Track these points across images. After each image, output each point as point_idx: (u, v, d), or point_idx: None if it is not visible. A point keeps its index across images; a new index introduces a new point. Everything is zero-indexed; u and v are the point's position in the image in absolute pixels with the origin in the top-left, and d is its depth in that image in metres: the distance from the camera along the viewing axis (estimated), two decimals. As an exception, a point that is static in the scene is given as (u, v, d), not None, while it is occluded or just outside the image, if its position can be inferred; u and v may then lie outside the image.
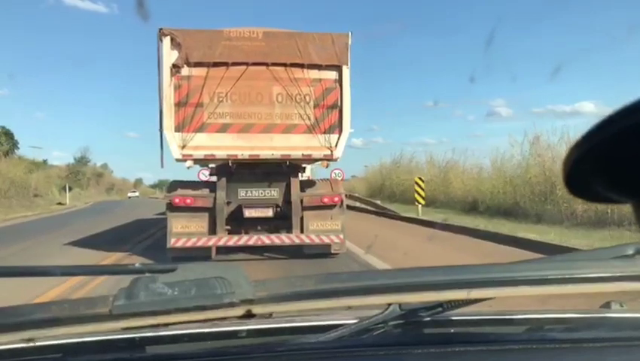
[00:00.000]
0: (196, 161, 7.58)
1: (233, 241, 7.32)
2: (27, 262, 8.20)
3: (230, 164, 7.27)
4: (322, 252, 7.60)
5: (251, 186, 7.58)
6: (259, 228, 8.17)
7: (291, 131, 7.21)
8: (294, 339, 0.97)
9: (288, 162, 7.41)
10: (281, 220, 7.71)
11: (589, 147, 0.48)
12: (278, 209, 7.64)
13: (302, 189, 7.66)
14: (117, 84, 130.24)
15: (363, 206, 20.13)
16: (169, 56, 6.92)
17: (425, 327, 0.99)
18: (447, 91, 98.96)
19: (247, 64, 7.01)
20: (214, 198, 7.35)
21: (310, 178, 10.69)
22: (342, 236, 7.46)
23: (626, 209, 0.55)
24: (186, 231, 7.22)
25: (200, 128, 7.04)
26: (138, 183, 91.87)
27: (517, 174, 14.83)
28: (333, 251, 7.62)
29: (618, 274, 0.78)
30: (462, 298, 0.84)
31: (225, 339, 1.00)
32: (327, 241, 7.40)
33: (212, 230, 7.34)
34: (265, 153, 7.18)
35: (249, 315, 0.73)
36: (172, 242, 7.14)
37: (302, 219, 7.50)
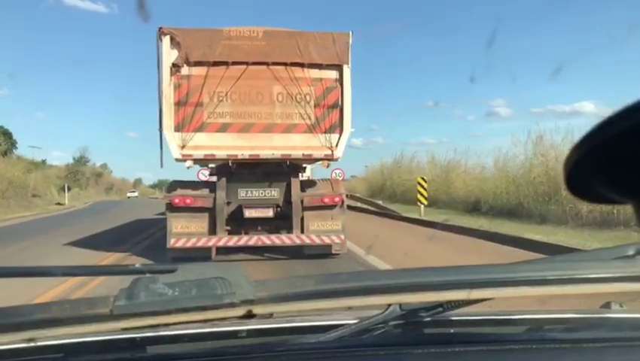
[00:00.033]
0: (196, 161, 7.55)
1: (233, 241, 7.30)
2: (24, 262, 8.19)
3: (230, 164, 7.25)
4: (323, 252, 7.58)
5: (252, 186, 7.56)
6: (259, 228, 8.15)
7: (292, 131, 7.19)
8: (294, 339, 0.97)
9: (288, 162, 7.38)
10: (282, 220, 7.69)
11: (590, 148, 0.48)
12: (279, 209, 7.62)
13: (302, 189, 7.63)
14: (116, 84, 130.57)
15: (364, 206, 20.03)
16: (169, 55, 6.90)
17: (426, 327, 0.99)
18: (447, 91, 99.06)
19: (247, 63, 6.98)
20: (214, 199, 7.33)
21: (310, 178, 10.67)
22: (342, 236, 7.44)
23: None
24: (186, 231, 7.20)
25: (200, 128, 7.01)
26: (138, 183, 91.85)
27: (520, 174, 14.70)
28: (333, 251, 7.61)
29: (618, 275, 0.78)
30: (462, 299, 0.84)
31: (225, 339, 1.00)
32: (327, 241, 7.38)
33: (212, 230, 7.32)
34: (265, 153, 7.16)
35: (249, 315, 0.73)
36: (172, 242, 7.11)
37: (302, 219, 7.48)
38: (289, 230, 7.52)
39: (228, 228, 7.69)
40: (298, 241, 7.36)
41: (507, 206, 14.20)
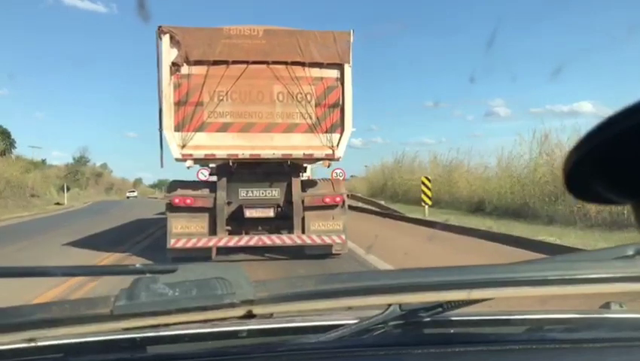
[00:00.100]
0: (196, 161, 7.54)
1: (234, 241, 7.27)
2: (22, 263, 8.18)
3: (231, 163, 7.22)
4: (324, 252, 7.55)
5: (252, 186, 7.53)
6: (260, 228, 8.14)
7: (292, 131, 7.16)
8: (294, 339, 0.98)
9: (289, 162, 7.35)
10: (283, 220, 7.66)
11: (590, 149, 0.48)
12: (280, 209, 7.59)
13: (303, 189, 7.60)
14: (116, 84, 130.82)
15: (365, 206, 19.89)
16: (169, 54, 6.86)
17: (425, 327, 0.99)
18: (446, 91, 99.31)
19: (247, 62, 6.95)
20: (215, 199, 7.29)
21: (310, 178, 10.65)
22: (343, 236, 7.41)
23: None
24: (186, 231, 7.17)
25: (200, 128, 6.98)
26: (138, 182, 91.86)
27: (525, 173, 14.52)
28: (334, 252, 7.57)
29: (619, 275, 0.78)
30: (462, 299, 0.84)
31: (226, 339, 1.00)
32: (328, 241, 7.36)
33: (212, 230, 7.28)
34: (266, 153, 7.13)
35: (250, 315, 0.73)
36: (172, 243, 7.08)
37: (303, 219, 7.45)
38: (290, 230, 7.50)
39: (228, 228, 7.67)
40: (299, 241, 7.33)
41: (512, 206, 13.99)
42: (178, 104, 6.94)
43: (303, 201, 7.43)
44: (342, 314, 1.06)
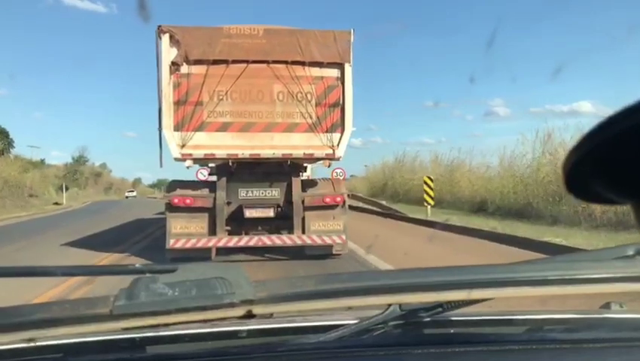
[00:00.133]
0: (196, 160, 7.50)
1: (234, 241, 7.24)
2: (19, 263, 8.17)
3: (230, 163, 7.19)
4: (324, 253, 7.52)
5: (252, 186, 7.50)
6: (260, 228, 8.11)
7: (293, 130, 7.13)
8: (294, 339, 0.97)
9: (289, 162, 7.32)
10: (283, 221, 7.63)
11: (590, 148, 0.48)
12: (280, 209, 7.56)
13: (303, 189, 7.58)
14: (116, 84, 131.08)
15: (366, 206, 19.78)
16: (168, 53, 6.83)
17: (425, 327, 0.99)
18: (446, 91, 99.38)
19: (247, 61, 6.92)
20: (214, 199, 7.26)
21: (310, 178, 10.63)
22: (344, 237, 7.38)
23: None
24: (185, 232, 7.13)
25: (200, 127, 6.96)
26: (137, 182, 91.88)
27: (528, 173, 14.41)
28: (334, 252, 7.54)
29: (619, 275, 0.78)
30: (462, 299, 0.84)
31: (226, 339, 1.00)
32: (329, 241, 7.33)
33: (212, 231, 7.25)
34: (266, 153, 7.10)
35: (249, 315, 0.73)
36: (171, 243, 7.05)
37: (303, 219, 7.42)
38: (290, 230, 7.47)
39: (228, 228, 7.64)
40: (299, 242, 7.30)
41: (515, 206, 13.87)
42: (178, 103, 6.91)
43: (303, 201, 7.41)
44: (343, 314, 1.05)
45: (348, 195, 8.40)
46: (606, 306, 1.12)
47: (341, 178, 14.73)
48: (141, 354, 0.92)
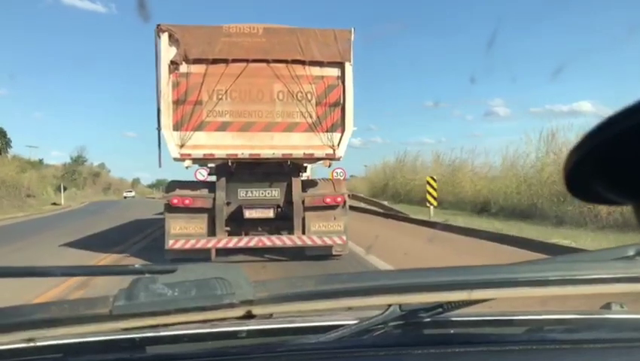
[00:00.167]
0: (195, 160, 7.44)
1: (233, 242, 7.19)
2: (16, 264, 8.12)
3: (230, 163, 7.13)
4: (324, 253, 7.47)
5: (252, 186, 7.44)
6: (259, 229, 8.07)
7: (293, 130, 7.08)
8: (294, 339, 0.97)
9: (289, 162, 7.26)
10: (283, 221, 7.58)
11: (590, 149, 0.48)
12: (280, 210, 7.51)
13: (303, 189, 7.53)
14: (115, 84, 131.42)
15: (367, 207, 19.65)
16: (167, 52, 6.78)
17: (425, 328, 0.99)
18: (446, 91, 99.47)
19: (247, 61, 6.86)
20: (214, 199, 7.21)
21: (309, 178, 10.60)
22: (344, 237, 7.33)
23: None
24: (184, 232, 7.08)
25: (199, 127, 6.90)
26: (136, 182, 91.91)
27: (531, 173, 14.27)
28: (334, 253, 7.50)
29: (619, 276, 0.78)
30: (463, 299, 0.84)
31: (225, 339, 1.00)
32: (329, 242, 7.28)
33: (211, 231, 7.20)
34: (266, 152, 7.05)
35: (249, 316, 0.73)
36: (170, 244, 6.99)
37: (303, 220, 7.37)
38: (290, 231, 7.42)
39: (228, 229, 7.58)
40: (299, 242, 7.25)
41: (518, 207, 13.73)
42: (177, 103, 6.85)
43: (303, 202, 7.36)
44: (343, 315, 1.05)
45: (349, 196, 8.35)
46: (606, 306, 1.12)
47: (341, 178, 14.70)
48: (141, 354, 0.92)
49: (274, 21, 7.95)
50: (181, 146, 6.90)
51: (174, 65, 6.80)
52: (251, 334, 1.00)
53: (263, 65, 6.94)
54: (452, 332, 1.02)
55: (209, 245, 7.12)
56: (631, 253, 0.86)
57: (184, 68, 6.84)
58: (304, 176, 9.58)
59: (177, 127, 6.87)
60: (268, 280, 0.80)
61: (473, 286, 0.78)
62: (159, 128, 6.97)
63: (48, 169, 48.38)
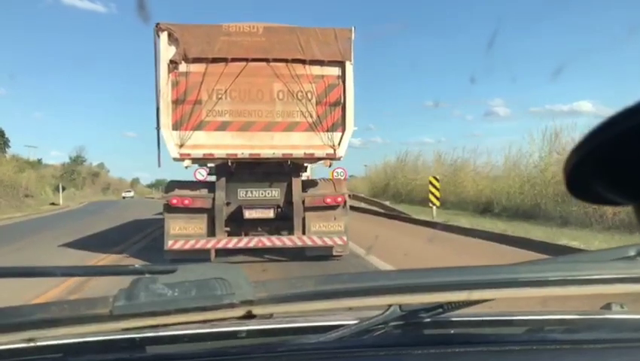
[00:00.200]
0: (195, 160, 7.40)
1: (233, 243, 7.15)
2: (13, 265, 8.13)
3: (230, 163, 7.10)
4: (325, 254, 7.44)
5: (252, 186, 7.41)
6: (259, 229, 8.04)
7: (293, 130, 7.04)
8: (294, 339, 0.97)
9: (289, 162, 7.22)
10: (283, 221, 7.55)
11: (590, 149, 0.48)
12: (280, 210, 7.47)
13: (304, 189, 7.49)
14: (115, 83, 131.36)
15: (368, 207, 19.53)
16: (167, 51, 6.74)
17: (426, 328, 0.99)
18: (446, 91, 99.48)
19: (247, 60, 6.83)
20: (213, 199, 7.18)
21: (310, 178, 10.57)
22: (345, 238, 7.30)
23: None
24: (184, 233, 7.04)
25: (199, 127, 6.86)
26: (135, 182, 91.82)
27: (534, 173, 14.18)
28: (335, 253, 7.46)
29: (619, 276, 0.78)
30: (463, 300, 0.84)
31: (225, 339, 1.00)
32: (329, 242, 7.24)
33: (211, 232, 7.17)
34: (266, 152, 7.02)
35: (249, 316, 0.73)
36: (170, 244, 6.96)
37: (304, 220, 7.34)
38: (290, 231, 7.39)
39: (227, 229, 7.55)
40: (299, 243, 7.21)
41: (522, 207, 13.61)
42: (176, 102, 6.81)
43: (303, 202, 7.32)
44: (343, 315, 1.05)
45: (350, 196, 8.31)
46: (607, 307, 1.12)
47: (342, 178, 14.65)
48: (141, 354, 0.92)
49: (274, 20, 7.89)
50: (181, 145, 6.86)
51: (173, 64, 6.76)
52: (251, 334, 1.00)
53: (263, 64, 6.90)
54: (452, 332, 1.02)
55: (209, 246, 7.08)
56: (631, 253, 0.86)
57: (183, 67, 6.80)
58: (304, 176, 9.55)
59: (176, 126, 6.83)
60: (268, 280, 0.80)
61: (473, 286, 0.78)
62: (158, 128, 6.93)
63: (47, 169, 48.29)
